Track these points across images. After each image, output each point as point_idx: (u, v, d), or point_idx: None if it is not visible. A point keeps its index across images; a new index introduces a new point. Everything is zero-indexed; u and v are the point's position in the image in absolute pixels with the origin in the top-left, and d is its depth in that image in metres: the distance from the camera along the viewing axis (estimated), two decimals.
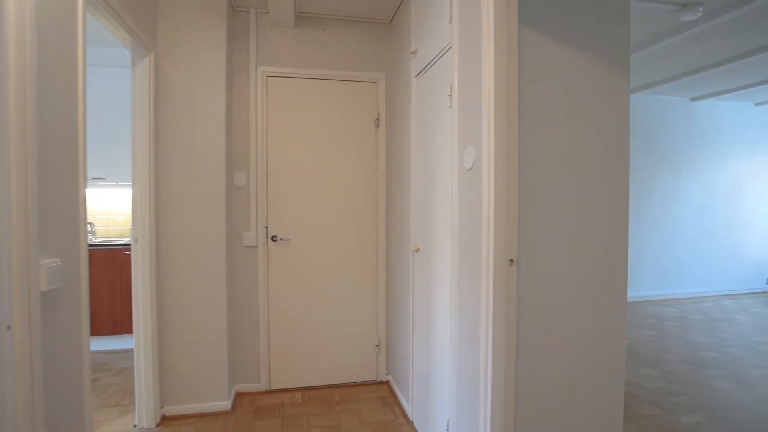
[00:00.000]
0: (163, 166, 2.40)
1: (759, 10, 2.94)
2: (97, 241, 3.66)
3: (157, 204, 2.39)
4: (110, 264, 3.43)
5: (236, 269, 2.78)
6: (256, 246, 2.79)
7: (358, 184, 2.93)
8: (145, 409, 2.33)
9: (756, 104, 5.81)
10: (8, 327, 1.08)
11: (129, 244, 2.93)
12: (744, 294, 5.74)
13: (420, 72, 2.21)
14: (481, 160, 1.50)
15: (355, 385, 2.98)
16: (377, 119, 2.92)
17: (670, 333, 4.05)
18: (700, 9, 2.92)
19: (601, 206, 1.66)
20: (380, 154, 2.94)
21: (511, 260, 1.45)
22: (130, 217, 3.19)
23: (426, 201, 2.16)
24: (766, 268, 5.96)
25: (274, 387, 2.86)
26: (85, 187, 1.52)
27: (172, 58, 2.40)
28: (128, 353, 3.43)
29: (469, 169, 1.60)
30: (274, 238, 2.82)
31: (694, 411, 2.58)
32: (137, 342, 2.33)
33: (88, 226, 2.95)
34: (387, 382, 3.00)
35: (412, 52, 2.27)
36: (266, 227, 2.80)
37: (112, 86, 3.66)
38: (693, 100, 5.52)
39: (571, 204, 1.62)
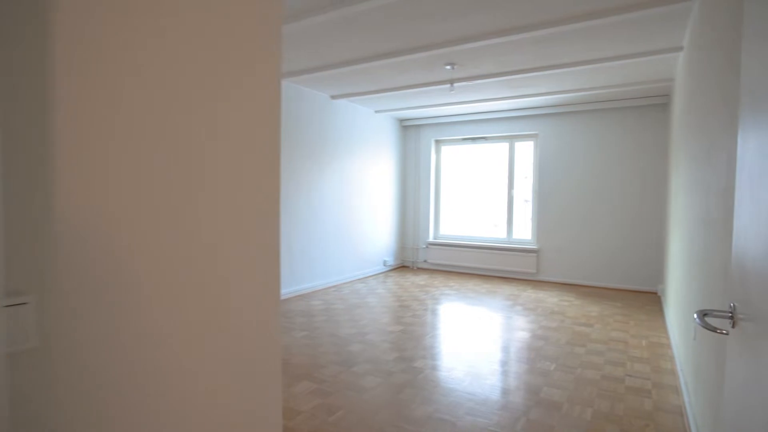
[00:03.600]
0: None
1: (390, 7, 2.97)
2: None
3: None
4: None
5: None
6: None
7: None
8: None
9: (376, 111, 6.73)
10: None
11: None
12: (370, 276, 6.58)
13: None
14: None
15: None
16: None
17: (320, 330, 3.94)
18: None
19: (244, 196, 0.93)
20: None
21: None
22: None
23: None
24: (383, 251, 7.06)
25: None
26: None
27: None
28: None
29: None
30: None
31: (351, 430, 2.30)
32: None
33: None
34: None
35: None
36: None
37: None
38: (333, 98, 5.81)
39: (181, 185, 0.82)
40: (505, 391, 2.74)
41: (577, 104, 5.90)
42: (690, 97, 3.07)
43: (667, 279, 4.47)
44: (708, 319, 0.88)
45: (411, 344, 3.58)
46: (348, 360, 3.23)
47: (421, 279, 6.41)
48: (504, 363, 3.20)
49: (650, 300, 5.13)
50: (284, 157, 5.09)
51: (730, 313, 0.85)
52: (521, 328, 4.03)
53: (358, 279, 6.34)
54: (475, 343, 3.63)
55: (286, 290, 5.16)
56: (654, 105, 5.50)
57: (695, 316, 0.90)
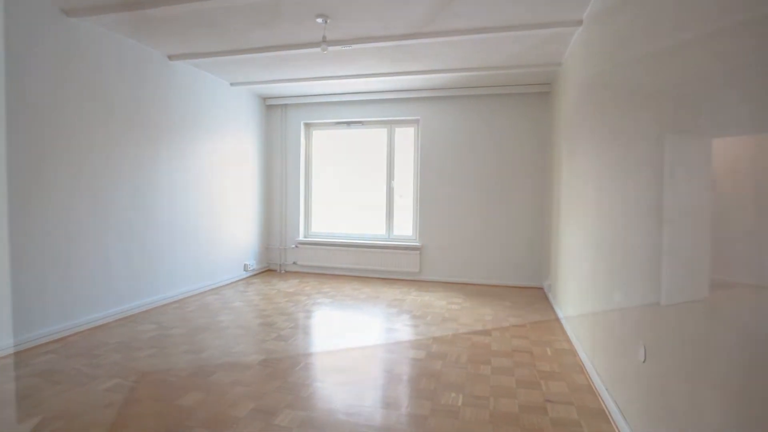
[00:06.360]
0: None
1: None
2: None
3: None
4: None
5: None
6: None
7: None
8: None
9: (232, 84, 5.49)
10: None
11: None
12: (226, 285, 5.34)
13: None
14: None
15: None
16: None
17: (140, 374, 2.71)
18: None
19: None
20: None
21: None
22: None
23: None
24: (244, 253, 5.87)
25: None
26: None
27: None
28: None
29: None
30: None
31: None
32: None
33: None
34: None
35: None
36: None
37: None
38: (171, 58, 4.45)
39: None
40: None
41: (460, 88, 5.47)
42: (610, 74, 2.63)
43: (557, 275, 4.19)
44: None
45: (273, 385, 2.60)
46: (174, 427, 2.13)
47: (289, 285, 5.39)
48: (399, 405, 2.41)
49: (537, 296, 4.90)
50: (96, 133, 3.62)
51: None
52: (413, 345, 3.32)
53: (211, 289, 5.07)
54: (360, 374, 2.80)
55: (101, 314, 3.72)
56: (537, 93, 5.31)
57: None
